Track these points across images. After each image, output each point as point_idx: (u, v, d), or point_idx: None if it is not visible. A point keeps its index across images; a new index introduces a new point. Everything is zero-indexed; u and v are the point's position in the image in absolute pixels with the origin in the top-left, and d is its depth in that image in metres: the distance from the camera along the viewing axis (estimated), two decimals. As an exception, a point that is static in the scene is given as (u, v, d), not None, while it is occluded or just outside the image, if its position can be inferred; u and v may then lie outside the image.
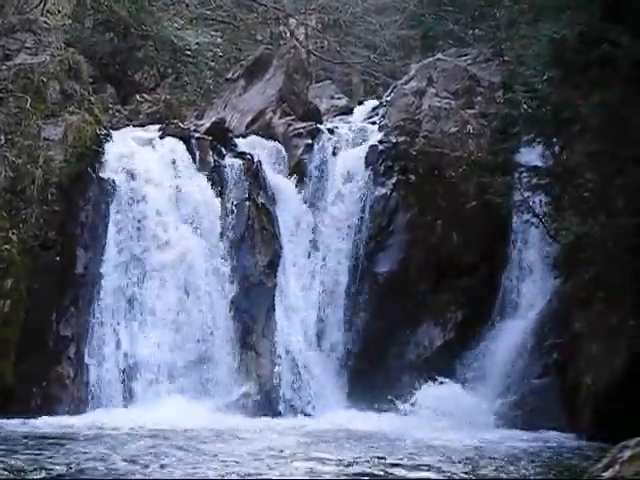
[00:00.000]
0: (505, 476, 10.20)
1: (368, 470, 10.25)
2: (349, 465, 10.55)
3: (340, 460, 10.86)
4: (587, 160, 13.72)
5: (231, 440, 12.48)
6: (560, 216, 14.75)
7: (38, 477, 9.59)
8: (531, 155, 15.77)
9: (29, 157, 15.39)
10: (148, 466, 10.23)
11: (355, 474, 10.07)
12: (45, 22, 17.10)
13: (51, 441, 11.92)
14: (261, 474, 9.79)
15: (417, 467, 10.46)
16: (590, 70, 12.89)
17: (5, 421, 13.50)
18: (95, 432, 12.88)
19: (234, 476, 9.67)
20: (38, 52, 16.43)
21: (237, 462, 10.53)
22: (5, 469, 9.92)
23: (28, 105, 15.68)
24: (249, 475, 9.75)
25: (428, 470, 10.33)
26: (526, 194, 15.19)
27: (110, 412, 14.55)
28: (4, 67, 16.01)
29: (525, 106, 14.49)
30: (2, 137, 15.34)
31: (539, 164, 15.34)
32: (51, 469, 9.97)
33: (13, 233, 14.98)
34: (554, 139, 14.77)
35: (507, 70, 15.97)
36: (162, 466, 10.28)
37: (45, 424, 13.51)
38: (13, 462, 10.30)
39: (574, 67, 13.05)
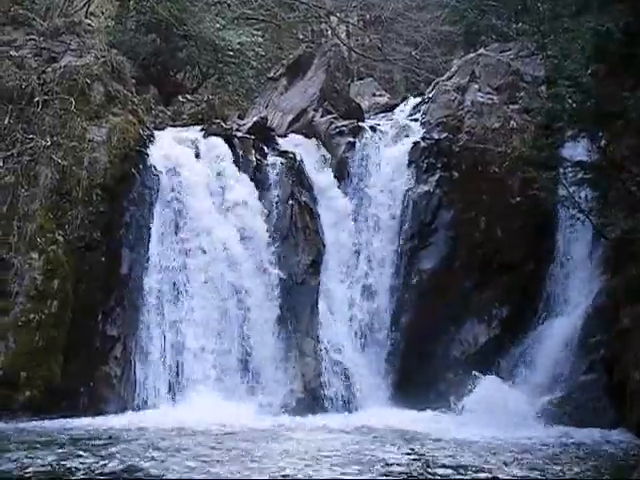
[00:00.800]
0: (551, 476, 10.10)
1: (411, 470, 10.22)
2: (392, 464, 10.53)
3: (383, 459, 10.85)
4: (633, 154, 13.56)
5: (275, 440, 12.51)
6: (606, 211, 14.60)
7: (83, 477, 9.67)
8: (576, 150, 15.62)
9: (74, 158, 15.53)
10: (192, 466, 10.28)
11: (398, 473, 10.04)
12: (89, 24, 17.26)
13: (98, 441, 12.05)
14: (299, 474, 9.78)
15: (460, 467, 10.41)
16: (635, 63, 12.74)
17: (52, 422, 13.65)
18: (141, 432, 12.98)
19: (275, 475, 9.69)
20: (82, 54, 16.58)
21: (278, 461, 10.55)
22: (53, 468, 10.04)
23: (73, 107, 15.83)
24: (287, 475, 9.75)
25: (472, 470, 10.27)
26: (571, 189, 15.04)
27: (156, 411, 14.65)
28: (49, 69, 16.17)
29: (569, 100, 14.33)
30: (48, 139, 15.51)
31: (584, 159, 15.18)
32: (95, 468, 10.07)
33: (59, 234, 15.14)
34: (599, 133, 14.61)
35: (551, 64, 15.80)
36: (205, 465, 10.32)
37: (92, 423, 13.63)
38: (61, 461, 10.43)
39: (619, 60, 12.91)
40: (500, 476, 9.91)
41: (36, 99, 15.77)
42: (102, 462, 10.43)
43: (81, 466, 10.17)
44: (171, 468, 10.11)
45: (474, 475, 10.00)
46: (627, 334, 14.28)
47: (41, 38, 16.71)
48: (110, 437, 12.41)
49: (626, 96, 12.84)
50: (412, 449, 11.70)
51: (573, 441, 12.90)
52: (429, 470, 10.19)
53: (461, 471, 10.21)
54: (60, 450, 11.21)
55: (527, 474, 10.16)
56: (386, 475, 9.93)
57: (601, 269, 15.49)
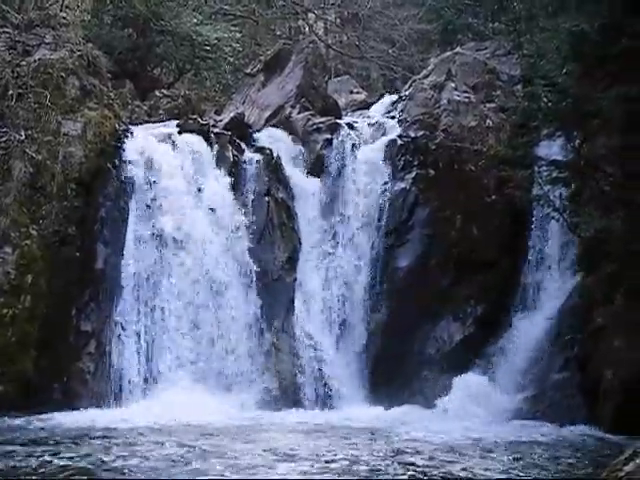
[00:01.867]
0: (522, 474, 10.14)
1: (378, 467, 10.22)
2: (361, 462, 10.54)
3: (354, 456, 10.86)
4: (608, 154, 13.64)
5: (248, 436, 12.49)
6: (580, 210, 14.68)
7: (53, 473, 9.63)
8: (551, 149, 15.68)
9: (49, 153, 15.44)
10: (169, 463, 10.25)
11: (366, 471, 10.05)
12: (64, 17, 17.14)
13: (69, 437, 11.98)
14: (270, 471, 9.78)
15: (435, 465, 10.41)
16: (610, 63, 12.82)
17: (25, 417, 13.59)
18: (114, 427, 12.93)
19: (245, 472, 9.68)
20: (57, 48, 16.45)
21: (249, 459, 10.54)
22: (24, 464, 9.99)
23: (47, 101, 15.72)
24: (258, 471, 9.74)
25: (445, 467, 10.30)
26: (546, 188, 15.10)
27: (130, 407, 14.60)
28: (24, 63, 16.04)
29: (545, 100, 14.40)
30: (22, 133, 15.39)
31: (559, 158, 15.25)
32: (65, 465, 10.02)
33: (33, 229, 15.05)
34: (574, 132, 14.68)
35: (527, 63, 15.85)
36: (176, 463, 10.30)
37: (66, 419, 13.56)
38: (32, 457, 10.38)
39: (594, 60, 12.98)
40: (463, 475, 9.92)
41: (10, 92, 15.65)
42: (74, 458, 10.37)
43: (52, 462, 10.11)
44: (139, 466, 10.05)
45: (442, 473, 10.02)
46: (600, 333, 14.38)
47: (15, 31, 16.56)
48: (83, 433, 12.35)
49: (601, 96, 12.92)
50: (383, 446, 11.71)
51: (546, 438, 12.98)
52: (396, 468, 10.19)
53: (435, 468, 10.22)
54: (31, 446, 11.14)
55: (496, 472, 10.19)
56: (353, 473, 9.91)
57: (575, 268, 15.58)
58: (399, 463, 10.50)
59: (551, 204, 15.13)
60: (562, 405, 14.56)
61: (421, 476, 9.69)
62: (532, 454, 11.46)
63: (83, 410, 14.26)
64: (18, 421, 13.34)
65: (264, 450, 11.15)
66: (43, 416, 13.68)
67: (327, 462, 10.42)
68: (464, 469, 10.23)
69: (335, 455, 10.96)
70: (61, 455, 10.55)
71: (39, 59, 16.14)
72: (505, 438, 12.75)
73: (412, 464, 10.42)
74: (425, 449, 11.54)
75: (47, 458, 10.33)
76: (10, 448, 10.99)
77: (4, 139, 15.29)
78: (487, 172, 16.83)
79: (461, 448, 11.65)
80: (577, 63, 13.47)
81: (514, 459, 10.96)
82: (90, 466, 9.99)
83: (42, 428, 12.76)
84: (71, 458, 10.41)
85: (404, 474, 9.85)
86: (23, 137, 15.34)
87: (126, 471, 9.75)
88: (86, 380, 14.87)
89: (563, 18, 14.09)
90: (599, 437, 13.22)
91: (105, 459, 10.35)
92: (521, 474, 10.03)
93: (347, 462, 10.47)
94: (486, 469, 10.17)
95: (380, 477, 9.69)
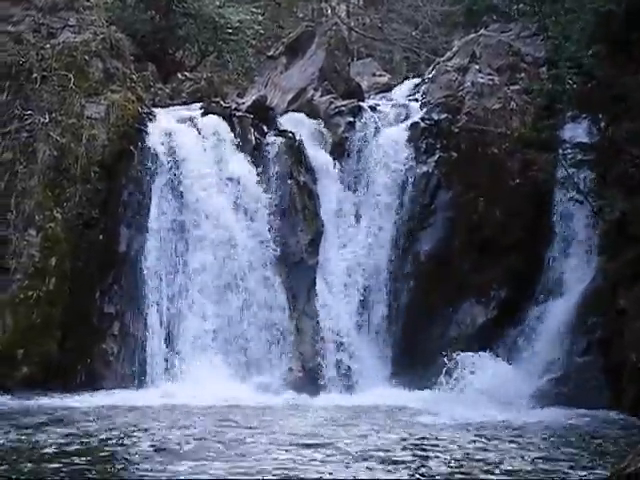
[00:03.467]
0: (547, 459, 10.11)
1: (402, 451, 10.23)
2: (385, 445, 10.54)
3: (377, 440, 10.87)
4: (633, 136, 13.53)
5: (269, 419, 12.52)
6: (605, 193, 14.59)
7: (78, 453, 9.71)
8: (576, 131, 15.60)
9: (72, 136, 15.50)
10: (187, 443, 10.31)
11: (393, 455, 10.05)
12: (88, 0, 17.14)
13: (91, 417, 12.05)
14: (285, 455, 9.80)
15: (454, 447, 10.40)
16: (636, 44, 12.70)
17: (49, 398, 13.69)
18: (137, 408, 13.00)
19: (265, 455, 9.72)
20: (81, 30, 16.50)
21: (266, 442, 10.56)
22: (48, 444, 10.07)
23: (71, 83, 15.77)
24: (279, 455, 9.77)
25: (466, 449, 10.28)
26: (570, 170, 15.04)
27: (153, 389, 14.68)
28: (48, 46, 16.10)
29: (570, 82, 14.30)
30: (46, 115, 15.46)
31: (584, 140, 15.17)
32: (86, 444, 10.10)
33: (57, 211, 15.12)
34: (599, 115, 14.59)
35: (552, 45, 15.73)
36: (199, 443, 10.35)
37: (89, 400, 13.64)
38: (57, 437, 10.46)
39: (620, 42, 12.86)
40: (493, 458, 9.91)
41: (34, 75, 15.72)
42: (97, 439, 10.44)
43: (74, 442, 10.18)
44: (159, 447, 10.10)
45: (465, 455, 10.01)
46: (624, 316, 14.31)
47: (39, 14, 16.60)
48: (105, 414, 12.43)
49: (626, 79, 12.81)
50: (407, 430, 11.70)
51: (569, 421, 12.93)
52: (420, 451, 10.18)
53: (454, 451, 10.21)
54: (56, 426, 11.22)
55: (519, 456, 10.17)
56: (375, 458, 9.91)
57: (599, 251, 15.49)
58: (422, 446, 10.48)
59: (575, 187, 15.06)
60: (585, 388, 14.51)
61: (451, 461, 9.65)
62: (556, 438, 11.42)
63: (107, 391, 14.35)
64: (42, 401, 13.43)
65: (286, 433, 11.16)
66: (67, 397, 13.78)
67: (350, 445, 10.42)
68: (487, 451, 10.21)
69: (359, 438, 10.97)
70: (83, 434, 10.61)
71: (63, 42, 16.19)
72: (528, 422, 12.71)
73: (437, 447, 10.40)
74: (450, 433, 11.52)
75: (70, 438, 10.39)
76: (35, 427, 11.07)
77: (29, 122, 15.36)
78: (511, 155, 16.75)
79: (486, 432, 11.62)
80: (603, 45, 13.36)
81: (538, 444, 10.92)
82: (110, 446, 10.04)
83: (66, 408, 12.84)
84: (92, 437, 10.46)
85: (429, 458, 9.83)
86: (47, 120, 15.41)
87: (146, 452, 9.79)
88: (110, 362, 14.96)
89: (589, -1, 13.97)
90: (622, 420, 13.16)
91: (126, 440, 10.40)
92: (545, 458, 9.99)
93: (371, 446, 10.46)
94: (511, 454, 10.14)
95: (403, 460, 9.68)
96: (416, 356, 16.02)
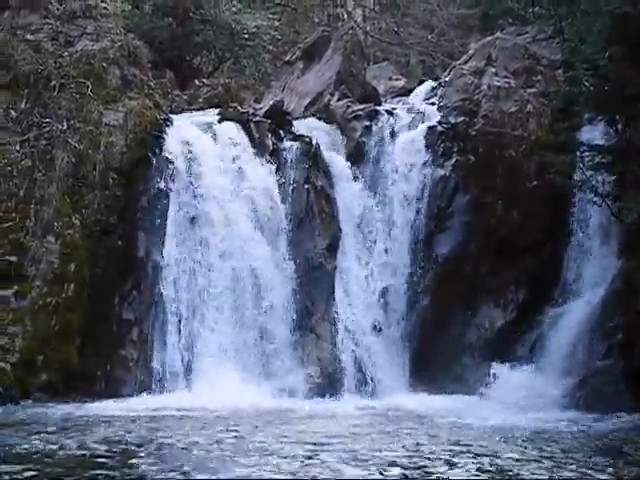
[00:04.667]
0: (568, 459, 10.07)
1: (431, 456, 10.19)
2: (411, 451, 10.52)
3: (402, 445, 10.84)
4: (651, 138, 13.48)
5: (293, 423, 12.52)
6: (623, 195, 14.53)
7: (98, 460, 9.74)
8: (593, 133, 15.56)
9: (91, 142, 15.58)
10: (207, 450, 10.33)
11: (417, 461, 10.03)
12: (105, 8, 17.24)
13: (112, 424, 12.08)
14: (315, 458, 9.80)
15: (480, 453, 10.36)
16: (653, 46, 12.67)
17: (69, 405, 13.75)
18: (158, 414, 13.03)
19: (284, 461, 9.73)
20: (98, 38, 16.59)
21: (296, 445, 10.58)
22: (69, 451, 10.11)
23: (89, 91, 15.86)
24: (296, 460, 9.77)
25: (492, 456, 10.25)
26: (588, 173, 14.99)
27: (173, 394, 14.71)
28: (66, 53, 16.19)
29: (587, 84, 14.28)
30: (64, 123, 15.54)
31: (601, 142, 15.12)
32: (106, 450, 10.13)
33: (76, 218, 15.20)
34: (616, 117, 14.53)
35: (568, 48, 15.72)
36: (219, 448, 10.37)
37: (110, 407, 13.68)
38: (77, 444, 10.50)
39: (636, 43, 12.82)
40: (515, 463, 9.88)
41: (52, 83, 15.81)
42: (117, 445, 10.47)
43: (96, 449, 10.21)
44: (181, 452, 10.13)
45: (493, 461, 9.98)
46: (644, 319, 14.23)
47: (57, 22, 16.70)
48: (127, 420, 12.47)
49: (644, 79, 12.78)
50: (428, 433, 11.69)
51: (588, 426, 12.86)
52: (448, 455, 10.15)
53: (480, 457, 10.18)
54: (76, 433, 11.26)
55: (544, 458, 10.14)
56: (403, 463, 9.91)
57: (618, 253, 15.42)
58: (446, 450, 10.46)
59: (593, 189, 15.01)
60: (605, 392, 14.42)
61: (476, 465, 9.63)
62: (575, 442, 11.37)
63: (127, 397, 14.39)
64: (62, 409, 13.47)
65: (304, 439, 11.15)
66: (87, 404, 13.82)
67: (365, 452, 10.41)
68: (513, 458, 10.18)
69: (381, 445, 10.95)
70: (102, 441, 10.64)
71: (81, 50, 16.29)
72: (548, 426, 12.66)
73: (463, 452, 10.36)
74: (473, 437, 11.48)
75: (89, 445, 10.42)
76: (54, 434, 11.11)
77: (47, 129, 15.45)
78: (528, 158, 16.73)
79: (508, 436, 11.57)
80: (619, 46, 13.32)
81: (560, 448, 10.87)
82: (132, 452, 10.07)
83: (86, 415, 12.88)
84: (111, 444, 10.49)
85: (453, 463, 9.81)
86: (65, 127, 15.49)
87: (168, 457, 9.82)
88: (129, 368, 15.00)
89: (605, 1, 13.92)
90: (643, 424, 13.10)
91: (147, 446, 10.42)
92: (566, 463, 9.95)
93: (393, 452, 10.43)
94: (532, 459, 10.11)
95: (427, 466, 9.67)
96: (435, 360, 16.00)
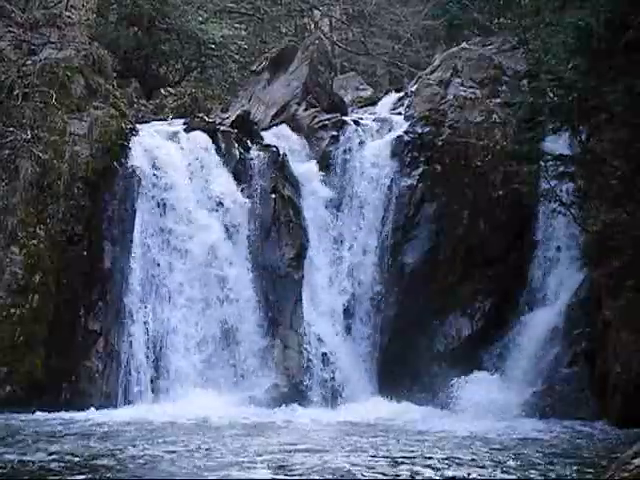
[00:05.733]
0: (534, 471, 10.12)
1: (382, 463, 10.21)
2: (372, 458, 10.54)
3: (364, 452, 10.85)
4: (614, 148, 13.60)
5: (259, 433, 12.50)
6: (587, 204, 14.65)
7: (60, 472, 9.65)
8: (557, 143, 15.67)
9: (55, 152, 15.48)
10: (174, 460, 10.28)
11: (378, 467, 10.04)
12: (69, 17, 17.18)
13: (77, 435, 12.00)
14: (285, 467, 9.79)
15: (446, 460, 10.39)
16: (616, 57, 12.78)
17: (33, 416, 13.62)
18: (123, 426, 12.94)
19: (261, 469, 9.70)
20: (63, 47, 16.51)
21: (263, 455, 10.55)
22: (32, 463, 10.03)
23: (53, 100, 15.76)
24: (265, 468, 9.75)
25: (457, 464, 10.28)
26: (553, 183, 15.09)
27: (139, 406, 14.63)
28: (29, 62, 16.09)
29: (551, 94, 14.38)
30: (28, 132, 15.43)
31: (565, 152, 15.23)
32: (71, 461, 10.05)
33: (40, 228, 15.08)
34: (580, 127, 14.65)
35: (532, 58, 15.82)
36: (189, 459, 10.32)
37: (74, 418, 13.58)
38: (34, 456, 10.41)
39: (600, 55, 12.94)
40: (474, 475, 9.90)
41: (16, 92, 15.71)
42: (82, 457, 10.39)
43: (59, 461, 10.13)
44: (146, 462, 10.07)
45: (458, 470, 10.01)
46: (608, 327, 14.35)
47: (20, 30, 16.61)
48: (91, 432, 12.37)
49: (606, 90, 12.88)
50: (388, 442, 11.69)
51: (555, 433, 12.95)
52: (401, 464, 10.17)
53: (444, 465, 10.21)
54: (39, 445, 11.16)
55: (509, 465, 10.18)
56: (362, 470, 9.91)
57: (582, 262, 15.54)
58: (397, 459, 10.47)
59: (558, 199, 15.12)
60: (571, 399, 14.56)
61: (437, 475, 9.64)
62: (541, 449, 11.42)
63: (92, 409, 14.28)
64: (27, 420, 13.35)
65: (271, 446, 11.14)
66: (52, 415, 13.70)
67: (330, 459, 10.40)
68: (476, 465, 10.21)
69: (345, 450, 10.96)
70: (67, 452, 10.57)
71: (45, 58, 16.19)
72: (515, 434, 12.72)
73: (429, 459, 10.39)
74: (437, 445, 11.52)
75: (54, 456, 10.34)
76: (18, 445, 11.01)
77: (11, 139, 15.34)
78: (494, 167, 16.83)
79: (475, 445, 11.62)
80: (583, 58, 13.43)
81: (524, 455, 10.93)
82: (97, 463, 10.00)
83: (51, 427, 12.77)
84: (77, 455, 10.42)
85: (414, 472, 9.82)
86: (29, 136, 15.38)
87: (131, 467, 9.76)
88: (95, 379, 14.91)
89: (568, 13, 14.05)
90: (608, 431, 13.20)
91: (112, 457, 10.36)
92: (530, 470, 10.00)
93: (359, 460, 10.44)
94: (496, 466, 10.15)
95: (387, 473, 9.68)
96: (402, 369, 16.02)
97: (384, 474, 9.54)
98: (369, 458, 10.46)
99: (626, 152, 13.31)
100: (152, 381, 15.14)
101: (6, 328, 14.45)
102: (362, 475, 9.48)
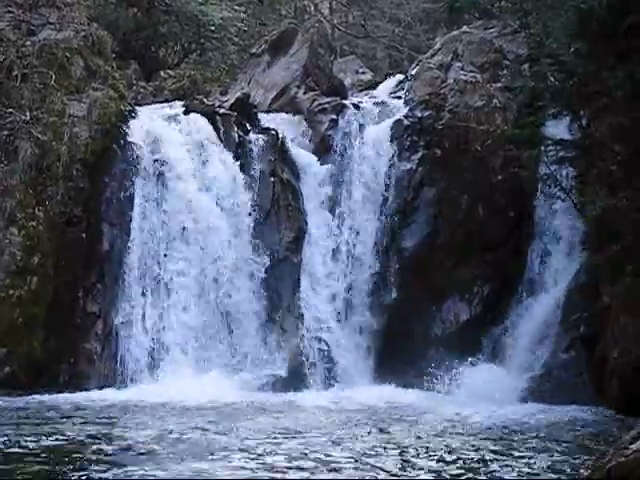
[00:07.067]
0: (530, 456, 10.13)
1: (382, 447, 10.22)
2: (364, 443, 10.54)
3: (357, 437, 10.87)
4: (614, 132, 13.56)
5: (257, 416, 12.51)
6: (587, 189, 14.63)
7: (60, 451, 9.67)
8: (558, 128, 15.61)
9: (54, 134, 15.44)
10: (171, 443, 10.28)
11: (365, 454, 10.05)
12: (68, -3, 17.10)
13: (75, 417, 12.00)
14: (281, 451, 9.78)
15: (444, 449, 10.39)
16: (617, 41, 12.73)
17: (32, 397, 13.63)
18: (120, 408, 12.96)
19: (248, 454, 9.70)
20: (62, 27, 16.45)
21: (262, 439, 10.56)
22: (32, 444, 10.04)
23: (52, 81, 15.71)
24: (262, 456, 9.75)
25: (450, 446, 10.29)
26: (553, 167, 15.07)
27: (137, 387, 14.66)
28: (28, 43, 16.04)
29: (552, 79, 14.32)
30: (27, 113, 15.39)
31: (566, 137, 15.19)
32: (67, 443, 10.06)
33: (39, 210, 15.06)
34: (581, 112, 14.60)
35: (533, 42, 15.76)
36: (184, 442, 10.33)
37: (73, 399, 13.59)
38: (39, 436, 10.42)
39: (601, 39, 12.88)
40: (480, 456, 9.92)
41: (15, 73, 15.66)
42: (79, 438, 10.40)
43: (59, 442, 10.14)
44: (142, 446, 10.07)
45: (456, 455, 10.02)
46: (607, 312, 14.35)
47: (19, 11, 16.54)
48: (88, 413, 12.39)
49: (607, 75, 12.84)
50: (383, 429, 11.70)
51: (553, 418, 12.96)
52: (396, 448, 10.17)
53: (440, 450, 10.22)
54: (39, 426, 11.17)
55: (506, 451, 10.19)
56: (363, 455, 9.93)
57: (581, 247, 15.53)
58: (395, 444, 10.48)
59: (557, 183, 15.09)
60: (569, 385, 14.56)
61: (438, 461, 9.65)
62: (538, 434, 11.44)
63: (90, 391, 14.30)
64: (25, 401, 13.37)
65: (269, 430, 11.15)
66: (51, 396, 13.72)
67: (328, 443, 10.41)
68: (475, 449, 10.22)
69: (343, 434, 10.97)
70: (64, 434, 10.58)
71: (44, 39, 16.14)
72: (513, 419, 12.73)
73: (426, 448, 10.39)
74: (427, 429, 11.53)
75: (52, 437, 10.35)
76: (18, 427, 11.02)
77: (9, 120, 15.29)
78: (493, 152, 16.78)
79: (472, 431, 11.63)
80: (584, 41, 13.37)
81: (521, 441, 10.94)
82: (92, 445, 10.01)
83: (49, 408, 12.78)
84: (69, 437, 10.43)
85: (401, 458, 9.84)
86: (28, 118, 15.35)
87: (127, 450, 9.77)
88: (93, 361, 14.93)
89: (570, -5, 13.97)
90: (606, 416, 13.20)
91: (108, 439, 10.37)
92: (528, 455, 10.01)
93: (357, 447, 10.45)
94: (491, 450, 10.17)
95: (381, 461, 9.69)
96: (400, 353, 16.02)
97: (384, 469, 9.51)
98: (363, 445, 10.45)
99: (625, 137, 13.28)
100: (150, 363, 15.15)
101: (5, 310, 14.45)
102: (351, 462, 9.44)
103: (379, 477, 8.74)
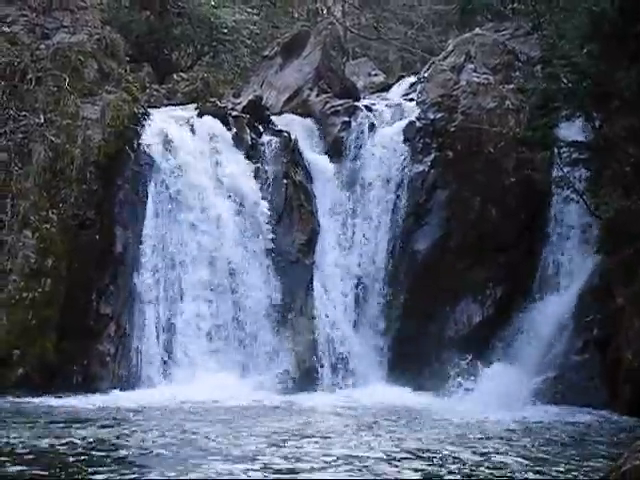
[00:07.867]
0: (544, 459, 10.11)
1: (409, 449, 10.22)
2: (384, 445, 10.54)
3: (376, 438, 10.87)
4: (628, 134, 13.54)
5: (268, 418, 12.53)
6: (600, 191, 14.60)
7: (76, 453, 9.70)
8: (571, 130, 15.60)
9: (68, 136, 15.49)
10: (182, 444, 10.30)
11: (392, 453, 10.06)
12: (82, 1, 17.14)
13: (87, 418, 12.03)
14: (291, 454, 9.79)
15: (461, 450, 10.39)
16: (629, 43, 12.72)
17: (45, 399, 13.68)
18: (133, 409, 12.98)
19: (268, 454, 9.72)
20: (75, 31, 16.51)
21: (272, 440, 10.58)
22: (44, 445, 10.07)
23: (66, 84, 15.76)
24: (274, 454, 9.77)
25: (467, 449, 10.29)
26: (566, 169, 15.05)
27: (150, 389, 14.68)
28: (42, 46, 16.10)
29: (564, 80, 14.32)
30: (41, 116, 15.44)
31: (579, 139, 15.18)
32: (80, 445, 10.08)
33: (53, 212, 15.11)
34: (594, 113, 14.58)
35: (546, 44, 15.76)
36: (198, 443, 10.36)
37: (86, 401, 13.63)
38: (53, 438, 10.45)
39: (613, 40, 12.87)
40: (492, 458, 9.91)
41: (29, 76, 15.71)
42: (93, 440, 10.43)
43: (72, 444, 10.17)
44: (155, 445, 10.10)
45: (468, 455, 10.01)
46: (620, 314, 14.31)
47: (34, 14, 16.61)
48: (101, 415, 12.42)
49: (620, 76, 12.82)
50: (405, 428, 11.71)
51: (565, 420, 12.94)
52: (410, 450, 10.18)
53: (455, 450, 10.22)
54: (52, 428, 11.21)
55: (520, 453, 10.18)
56: (378, 455, 9.93)
57: (595, 249, 15.50)
58: (406, 445, 10.48)
59: (571, 185, 15.08)
60: (581, 387, 14.53)
61: (456, 462, 9.65)
62: (551, 437, 11.43)
63: (103, 392, 14.34)
64: (39, 402, 13.41)
65: (279, 433, 11.16)
66: (64, 398, 13.77)
67: (341, 445, 10.42)
68: (492, 452, 10.21)
69: (354, 436, 10.97)
70: (78, 435, 10.61)
71: (58, 42, 16.20)
72: (524, 421, 12.72)
73: (442, 450, 10.39)
74: (439, 430, 11.53)
75: (65, 439, 10.38)
76: (31, 428, 11.06)
77: (24, 123, 15.35)
78: (506, 154, 16.77)
79: (486, 433, 11.63)
80: (597, 43, 13.36)
81: (533, 443, 10.93)
82: (105, 447, 10.04)
83: (62, 409, 12.83)
84: (86, 438, 10.46)
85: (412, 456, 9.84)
86: (42, 121, 15.40)
87: (142, 451, 9.79)
88: (106, 362, 14.96)
89: (583, -2, 13.97)
90: (618, 419, 13.18)
91: (120, 440, 10.40)
92: (541, 458, 10.00)
93: (368, 445, 10.46)
94: (503, 454, 10.16)
95: (396, 463, 9.69)
96: (413, 355, 16.02)
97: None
98: (376, 447, 10.45)
99: (638, 138, 13.25)
100: (163, 365, 15.18)
101: (18, 312, 14.50)
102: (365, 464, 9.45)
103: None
